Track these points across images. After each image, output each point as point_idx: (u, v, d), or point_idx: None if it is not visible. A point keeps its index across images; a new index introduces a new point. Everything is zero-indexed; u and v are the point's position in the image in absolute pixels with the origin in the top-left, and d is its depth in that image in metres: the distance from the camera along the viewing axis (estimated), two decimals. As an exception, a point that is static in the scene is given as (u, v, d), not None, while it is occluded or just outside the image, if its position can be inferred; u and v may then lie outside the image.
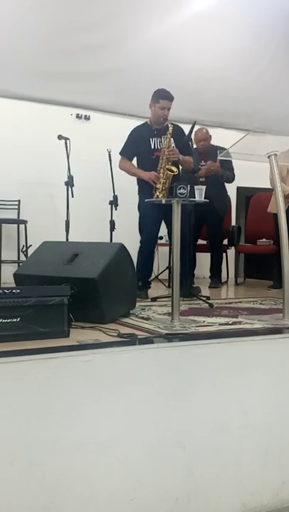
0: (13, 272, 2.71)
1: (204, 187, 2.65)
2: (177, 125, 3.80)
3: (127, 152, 3.85)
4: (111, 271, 2.53)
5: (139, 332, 2.28)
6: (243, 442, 2.17)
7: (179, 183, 2.51)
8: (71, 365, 1.88)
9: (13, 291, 2.11)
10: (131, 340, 2.10)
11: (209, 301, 3.31)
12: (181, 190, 2.49)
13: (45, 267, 2.68)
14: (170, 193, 2.54)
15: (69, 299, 2.19)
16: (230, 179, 4.60)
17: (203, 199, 2.63)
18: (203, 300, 3.36)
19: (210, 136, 4.58)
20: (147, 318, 2.69)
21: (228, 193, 5.25)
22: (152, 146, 3.74)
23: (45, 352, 1.87)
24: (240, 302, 3.54)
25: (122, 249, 2.67)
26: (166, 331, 2.31)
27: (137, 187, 3.85)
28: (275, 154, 2.75)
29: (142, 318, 2.71)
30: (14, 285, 2.71)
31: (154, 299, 3.42)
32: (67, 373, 1.86)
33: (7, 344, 1.94)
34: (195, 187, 2.64)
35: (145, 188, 3.71)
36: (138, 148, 3.80)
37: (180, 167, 3.76)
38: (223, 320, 2.68)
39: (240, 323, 2.62)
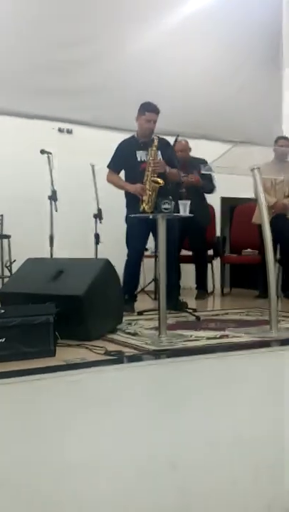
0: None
1: (189, 201, 2.65)
2: (163, 138, 3.81)
3: (114, 165, 3.86)
4: (96, 287, 2.51)
5: (126, 349, 2.26)
6: (233, 458, 2.16)
7: (163, 198, 2.50)
8: (58, 385, 1.86)
9: (-2, 311, 2.08)
10: (118, 358, 2.08)
11: (196, 314, 3.30)
12: (166, 206, 2.49)
13: (30, 284, 2.65)
14: (155, 207, 2.54)
15: (54, 317, 2.17)
16: (210, 189, 4.62)
17: (187, 213, 2.63)
18: (190, 313, 3.35)
19: (190, 148, 4.61)
20: (134, 334, 2.68)
21: (212, 204, 5.29)
22: (138, 159, 3.75)
23: (32, 373, 1.84)
24: (227, 314, 3.54)
25: (107, 264, 2.66)
26: (154, 347, 2.30)
27: (124, 200, 3.85)
28: (258, 168, 2.77)
29: (129, 333, 2.69)
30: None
31: (140, 313, 3.40)
32: (54, 394, 1.84)
33: (-8, 366, 1.91)
34: (179, 202, 2.64)
35: (132, 201, 3.72)
36: (125, 161, 3.81)
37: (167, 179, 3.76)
38: (210, 334, 2.67)
39: (227, 336, 2.61)
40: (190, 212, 2.91)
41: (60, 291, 2.50)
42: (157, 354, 2.18)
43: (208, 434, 2.09)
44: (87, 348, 2.29)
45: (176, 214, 2.60)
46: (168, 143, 3.80)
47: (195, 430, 2.06)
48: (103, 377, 1.93)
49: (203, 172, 2.86)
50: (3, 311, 2.10)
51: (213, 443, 2.10)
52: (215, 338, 2.56)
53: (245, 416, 2.18)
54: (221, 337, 2.59)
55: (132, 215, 3.04)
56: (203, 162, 4.16)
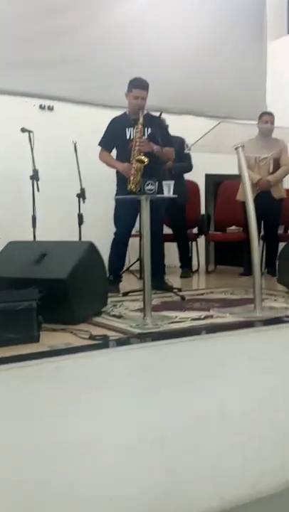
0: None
1: (172, 182, 2.62)
2: (154, 115, 3.73)
3: (105, 143, 3.80)
4: (80, 270, 2.48)
5: (111, 332, 2.26)
6: (221, 437, 2.18)
7: (147, 179, 2.46)
8: (43, 372, 1.85)
9: (-21, 298, 2.04)
10: (103, 343, 2.08)
11: (181, 294, 3.31)
12: (149, 187, 2.46)
13: (12, 268, 2.61)
14: (140, 188, 2.50)
15: (37, 302, 2.15)
16: (186, 169, 4.56)
17: (171, 194, 2.60)
18: (175, 293, 3.35)
19: (167, 125, 4.52)
20: (119, 316, 2.67)
21: (197, 181, 5.26)
22: (127, 137, 3.69)
23: (16, 361, 1.82)
24: (212, 293, 3.55)
25: (91, 247, 2.62)
26: (139, 330, 2.29)
27: (110, 178, 3.79)
28: (242, 146, 2.73)
29: (114, 316, 2.69)
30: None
31: (125, 294, 3.40)
32: (39, 381, 1.83)
33: (-25, 354, 1.89)
34: (163, 182, 2.60)
35: (122, 180, 3.67)
36: (116, 139, 3.75)
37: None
38: (195, 314, 2.68)
39: (212, 317, 2.62)
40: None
41: (44, 274, 2.47)
42: (142, 337, 2.18)
43: (194, 414, 2.11)
44: (71, 332, 2.28)
45: (159, 196, 2.57)
46: (160, 120, 3.71)
47: (181, 410, 2.08)
48: (88, 363, 1.92)
49: (186, 151, 2.80)
50: (-15, 297, 2.06)
51: (200, 423, 2.12)
52: (199, 319, 2.57)
53: (231, 396, 2.21)
54: (206, 317, 2.60)
55: (117, 197, 2.99)
56: (181, 141, 4.11)
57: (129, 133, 3.68)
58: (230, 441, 2.20)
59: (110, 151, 3.82)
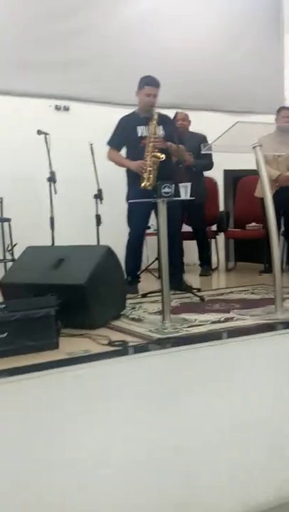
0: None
1: (189, 184, 2.58)
2: (165, 114, 3.70)
3: (114, 142, 3.76)
4: (99, 275, 2.47)
5: (130, 338, 2.25)
6: (243, 443, 2.16)
7: (164, 182, 2.44)
8: (62, 380, 1.85)
9: (-1, 306, 2.05)
10: (122, 349, 2.06)
11: (200, 295, 3.28)
12: (166, 190, 2.43)
13: (31, 273, 2.62)
14: (155, 189, 2.48)
15: (56, 309, 2.15)
16: (207, 167, 4.51)
17: (188, 197, 2.57)
18: (194, 293, 3.32)
19: (189, 121, 4.47)
20: (138, 320, 2.66)
21: (215, 177, 5.20)
22: (139, 134, 3.65)
23: (35, 370, 1.83)
24: (232, 292, 3.51)
25: (109, 251, 2.61)
26: (158, 335, 2.27)
27: (125, 178, 3.77)
28: (260, 145, 2.68)
29: (133, 319, 2.68)
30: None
31: (144, 295, 3.38)
32: (58, 389, 1.83)
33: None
34: (180, 185, 2.57)
35: (134, 179, 3.64)
36: (126, 138, 3.71)
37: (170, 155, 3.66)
38: (214, 317, 2.64)
39: (232, 319, 2.59)
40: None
41: (62, 280, 2.47)
42: (161, 343, 2.16)
43: (214, 420, 2.09)
44: (90, 337, 2.28)
45: (176, 198, 2.54)
46: (171, 120, 3.68)
47: (201, 417, 2.06)
48: (107, 371, 1.91)
49: (203, 152, 2.76)
50: (3, 305, 2.07)
51: (220, 428, 2.10)
52: (219, 321, 2.54)
53: (252, 401, 2.18)
54: (226, 320, 2.56)
55: (132, 201, 2.97)
56: (202, 138, 4.05)
57: (141, 131, 3.64)
58: (253, 447, 2.17)
59: (120, 150, 3.78)
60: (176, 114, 3.45)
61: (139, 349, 2.07)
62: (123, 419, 1.90)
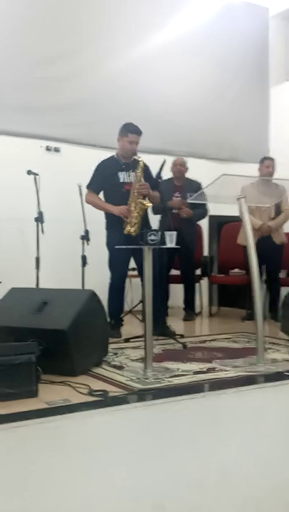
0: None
1: (175, 233, 2.62)
2: (141, 160, 3.79)
3: (94, 186, 3.81)
4: (81, 321, 2.46)
5: (110, 387, 2.21)
6: (220, 498, 2.11)
7: (149, 230, 2.47)
8: (40, 431, 1.81)
9: (-22, 351, 2.02)
10: (102, 400, 2.03)
11: (183, 342, 3.27)
12: (152, 237, 2.46)
13: (13, 316, 2.60)
14: (141, 238, 2.50)
15: (37, 355, 2.12)
16: (202, 216, 4.62)
17: (174, 244, 2.61)
18: (177, 340, 3.32)
19: (187, 167, 4.58)
20: (120, 367, 2.63)
21: (200, 222, 5.27)
22: (121, 180, 3.70)
23: (12, 420, 1.78)
24: (214, 340, 3.51)
25: (92, 296, 2.61)
26: (139, 386, 2.25)
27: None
28: (244, 197, 2.76)
29: (115, 366, 2.65)
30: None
31: (127, 340, 3.36)
32: (35, 441, 1.78)
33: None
34: (166, 233, 2.61)
35: (114, 223, 3.66)
36: (106, 182, 3.77)
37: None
38: (196, 366, 2.64)
39: (214, 369, 2.58)
40: (180, 237, 2.90)
41: (44, 324, 2.45)
42: (142, 394, 2.13)
43: (195, 475, 2.05)
44: (70, 385, 2.24)
45: (162, 246, 2.57)
46: (147, 166, 3.76)
47: (181, 471, 2.02)
48: (87, 422, 1.88)
49: (189, 201, 2.82)
50: (-17, 351, 2.04)
51: (200, 484, 2.06)
52: (202, 372, 2.53)
53: (231, 455, 2.15)
54: (208, 371, 2.55)
55: (117, 247, 3.00)
56: (199, 186, 4.14)
57: (123, 177, 3.70)
58: (230, 502, 2.13)
59: (98, 194, 3.83)
60: (164, 162, 3.51)
61: (120, 400, 2.04)
62: (103, 472, 1.85)
